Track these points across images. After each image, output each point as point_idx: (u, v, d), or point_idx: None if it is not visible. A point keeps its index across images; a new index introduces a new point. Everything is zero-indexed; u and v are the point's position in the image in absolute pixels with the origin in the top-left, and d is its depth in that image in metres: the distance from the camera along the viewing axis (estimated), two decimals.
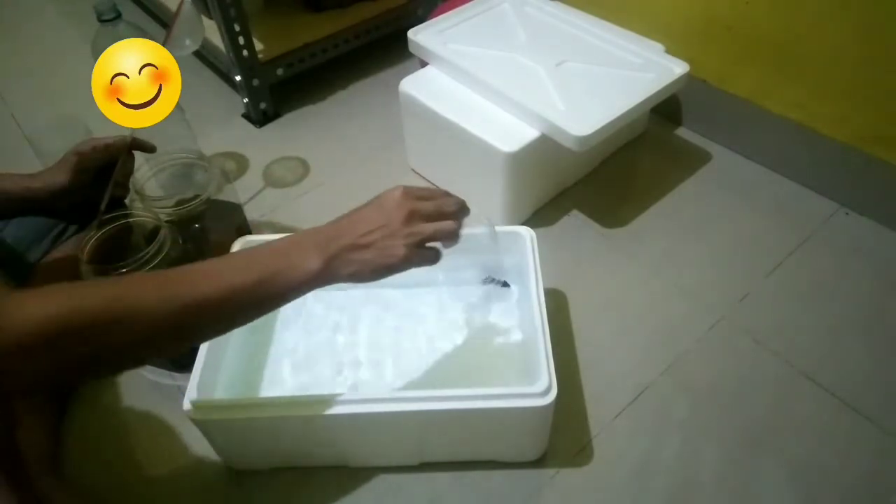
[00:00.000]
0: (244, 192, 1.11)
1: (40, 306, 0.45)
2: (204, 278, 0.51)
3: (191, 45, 0.94)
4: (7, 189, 0.79)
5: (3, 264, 0.78)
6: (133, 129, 0.77)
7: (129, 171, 0.81)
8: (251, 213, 1.07)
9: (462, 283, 0.89)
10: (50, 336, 0.45)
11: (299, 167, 1.18)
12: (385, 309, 0.88)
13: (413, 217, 0.56)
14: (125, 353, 0.50)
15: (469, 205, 0.61)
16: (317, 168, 1.18)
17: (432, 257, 0.58)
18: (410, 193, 0.57)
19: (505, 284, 0.88)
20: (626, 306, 0.93)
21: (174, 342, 0.53)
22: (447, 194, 0.60)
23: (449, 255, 0.60)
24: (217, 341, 0.73)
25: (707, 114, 1.17)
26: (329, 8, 1.34)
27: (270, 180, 1.16)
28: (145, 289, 0.49)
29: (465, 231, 0.59)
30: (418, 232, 0.56)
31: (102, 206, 0.77)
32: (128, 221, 0.78)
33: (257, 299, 0.53)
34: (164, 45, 0.77)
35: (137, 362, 0.53)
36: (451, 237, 0.58)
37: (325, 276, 0.54)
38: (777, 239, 1.00)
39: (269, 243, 0.55)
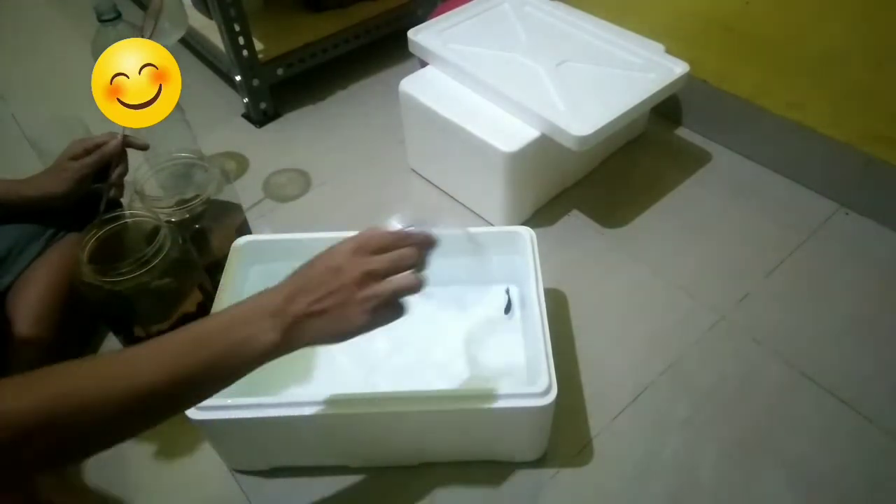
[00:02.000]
0: (244, 191, 1.11)
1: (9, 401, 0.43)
2: (153, 362, 0.47)
3: (173, 32, 0.93)
4: (1, 195, 0.79)
5: None
6: (130, 129, 0.77)
7: (124, 172, 0.81)
8: (251, 213, 1.07)
9: (462, 284, 0.89)
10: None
11: (299, 167, 1.18)
12: None
13: (368, 279, 0.51)
14: (70, 452, 0.47)
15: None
16: (317, 168, 1.18)
17: (395, 315, 0.53)
18: (363, 248, 0.52)
19: (508, 310, 0.88)
20: (627, 306, 0.93)
21: (122, 435, 0.49)
22: (407, 236, 0.54)
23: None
24: None
25: (707, 114, 1.17)
26: (329, 8, 1.34)
27: (271, 180, 1.16)
28: (90, 381, 0.46)
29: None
30: (375, 295, 0.51)
31: (101, 209, 0.77)
32: (127, 221, 0.78)
33: (208, 381, 0.50)
34: (146, 34, 0.76)
35: (84, 458, 0.50)
36: (414, 290, 0.53)
37: (284, 347, 0.51)
38: (777, 239, 1.00)
39: (218, 316, 0.51)
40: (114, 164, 0.79)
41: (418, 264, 0.53)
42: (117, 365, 0.48)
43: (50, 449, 0.44)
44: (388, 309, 0.52)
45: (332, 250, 0.52)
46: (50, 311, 0.79)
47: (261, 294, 0.52)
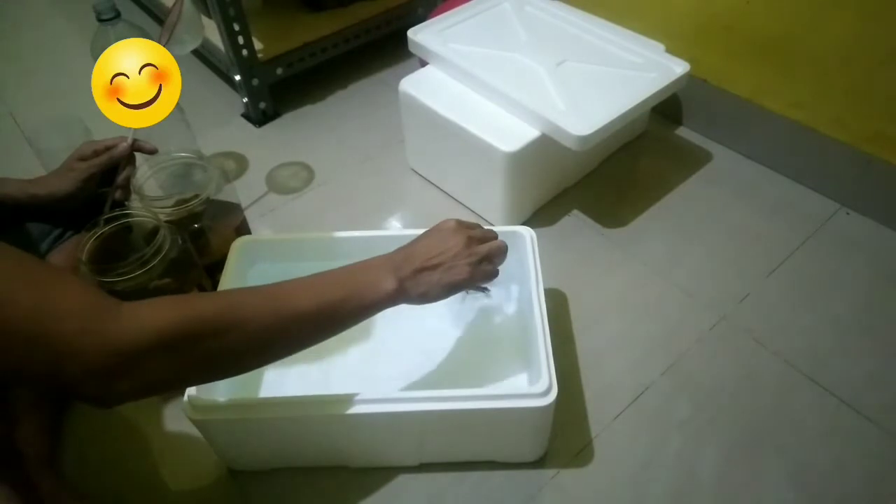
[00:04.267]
0: (244, 191, 1.11)
1: (157, 314, 0.48)
2: (301, 293, 0.57)
3: (190, 42, 0.93)
4: (10, 195, 0.79)
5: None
6: (133, 129, 0.77)
7: (131, 175, 0.81)
8: (250, 213, 1.07)
9: None
10: (167, 342, 0.48)
11: (299, 167, 1.18)
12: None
13: (471, 241, 0.65)
14: (230, 360, 0.54)
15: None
16: (316, 168, 1.18)
17: (491, 273, 0.66)
18: (462, 224, 0.66)
19: (485, 291, 0.86)
20: (627, 306, 0.93)
21: (272, 352, 0.57)
22: (480, 225, 0.69)
23: None
24: None
25: (707, 113, 1.17)
26: (329, 7, 1.34)
27: (270, 180, 1.16)
28: (252, 301, 0.54)
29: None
30: (477, 252, 0.64)
31: (106, 210, 0.77)
32: (127, 221, 0.78)
33: (342, 315, 0.59)
34: (161, 42, 0.77)
35: (237, 371, 0.56)
36: (503, 254, 0.67)
37: (398, 296, 0.61)
38: (778, 239, 1.00)
39: (347, 266, 0.61)
40: (121, 166, 0.79)
41: (497, 238, 0.68)
42: (273, 290, 0.56)
43: (205, 356, 0.51)
44: (487, 267, 0.65)
45: (436, 229, 0.66)
46: None
47: (381, 255, 0.63)
